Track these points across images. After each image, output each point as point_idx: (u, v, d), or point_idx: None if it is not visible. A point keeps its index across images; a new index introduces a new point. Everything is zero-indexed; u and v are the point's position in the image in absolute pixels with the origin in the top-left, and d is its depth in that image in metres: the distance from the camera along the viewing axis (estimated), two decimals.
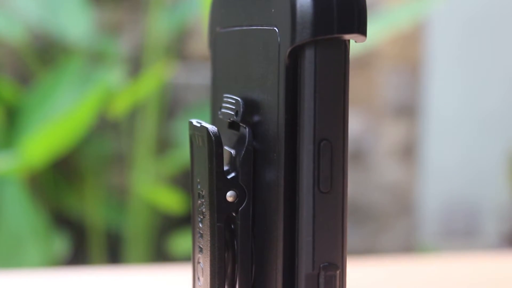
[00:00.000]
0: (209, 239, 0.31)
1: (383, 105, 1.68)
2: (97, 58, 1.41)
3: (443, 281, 0.65)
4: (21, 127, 1.27)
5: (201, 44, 1.51)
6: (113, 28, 1.48)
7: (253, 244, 0.31)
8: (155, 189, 1.32)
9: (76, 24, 1.35)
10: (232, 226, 0.32)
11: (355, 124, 1.65)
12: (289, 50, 0.28)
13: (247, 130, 0.31)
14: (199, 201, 0.33)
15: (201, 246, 0.33)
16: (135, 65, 1.45)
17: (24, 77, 1.42)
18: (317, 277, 0.29)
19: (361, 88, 1.65)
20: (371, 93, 1.67)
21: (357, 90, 1.64)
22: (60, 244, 1.31)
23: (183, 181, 1.41)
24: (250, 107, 0.31)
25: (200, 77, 1.50)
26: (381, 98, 1.68)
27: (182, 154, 1.35)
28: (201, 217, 0.32)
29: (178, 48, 1.50)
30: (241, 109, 0.31)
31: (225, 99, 0.33)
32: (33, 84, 1.36)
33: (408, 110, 1.69)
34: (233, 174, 0.31)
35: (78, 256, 1.40)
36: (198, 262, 0.33)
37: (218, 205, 0.31)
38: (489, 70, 1.67)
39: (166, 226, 1.41)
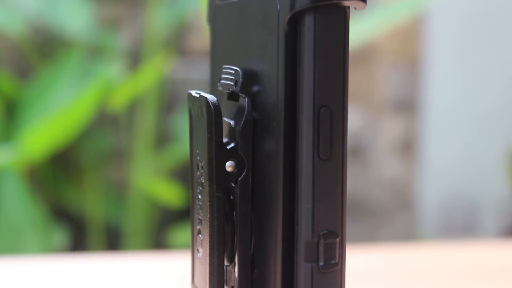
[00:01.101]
0: (208, 209, 0.31)
1: (382, 100, 1.68)
2: (96, 52, 1.41)
3: (442, 268, 0.65)
4: (20, 121, 1.27)
5: (200, 39, 1.51)
6: (112, 22, 1.48)
7: (252, 215, 0.31)
8: (154, 182, 1.31)
9: (75, 18, 1.35)
10: (231, 197, 0.32)
11: (354, 120, 1.65)
12: (288, 16, 0.28)
13: (246, 100, 0.31)
14: (198, 173, 0.32)
15: (201, 218, 0.32)
16: (134, 60, 1.45)
17: (24, 70, 1.42)
18: (317, 244, 0.29)
19: (360, 83, 1.65)
20: (370, 89, 1.67)
21: (357, 86, 1.64)
22: (59, 237, 1.31)
23: (182, 175, 1.41)
24: (249, 77, 0.31)
25: (199, 72, 1.50)
26: (380, 94, 1.67)
27: (181, 148, 1.35)
28: (200, 188, 0.32)
29: (177, 43, 1.49)
30: (241, 79, 0.31)
31: (224, 70, 0.33)
32: (33, 78, 1.36)
33: (408, 106, 1.68)
34: (232, 145, 0.31)
35: (77, 249, 1.40)
36: (198, 234, 0.33)
37: (217, 175, 0.31)
38: (488, 67, 1.67)
39: (165, 220, 1.41)
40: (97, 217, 1.37)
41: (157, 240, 1.39)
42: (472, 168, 1.68)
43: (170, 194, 1.28)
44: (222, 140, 0.31)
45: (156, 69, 1.28)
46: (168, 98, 1.48)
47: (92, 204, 1.38)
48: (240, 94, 0.31)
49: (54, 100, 1.27)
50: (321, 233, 0.29)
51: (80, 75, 1.32)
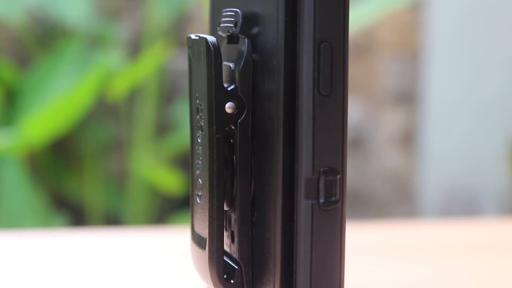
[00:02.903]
0: (208, 152, 0.31)
1: (382, 92, 1.67)
2: (96, 42, 1.41)
3: (441, 244, 0.65)
4: (20, 108, 1.27)
5: (200, 30, 1.51)
6: (113, 12, 1.48)
7: (252, 158, 0.31)
8: (154, 170, 1.31)
9: (75, 8, 1.35)
10: (231, 141, 0.31)
11: (355, 111, 1.65)
12: None
13: (246, 41, 0.31)
14: (197, 117, 0.32)
15: (200, 162, 0.32)
16: (134, 50, 1.45)
17: (24, 60, 1.41)
18: (317, 181, 0.28)
19: (361, 75, 1.65)
20: (370, 81, 1.67)
21: (357, 78, 1.64)
22: (59, 226, 1.31)
23: (183, 163, 1.41)
24: (249, 18, 0.31)
25: None
26: (380, 85, 1.67)
27: (181, 137, 1.35)
28: (200, 132, 0.32)
29: (177, 34, 1.49)
30: (240, 20, 0.31)
31: (224, 13, 0.33)
32: (32, 67, 1.35)
33: (408, 97, 1.68)
34: (232, 86, 0.31)
35: None
36: (197, 179, 0.33)
37: (217, 117, 0.31)
38: (488, 58, 1.67)
39: (165, 209, 1.41)
40: (97, 206, 1.37)
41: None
42: (472, 159, 1.68)
43: (171, 182, 1.27)
44: (222, 81, 0.31)
45: (155, 58, 1.27)
46: (168, 89, 1.48)
47: (92, 193, 1.37)
48: (240, 35, 0.31)
49: (54, 88, 1.27)
50: (321, 170, 0.28)
51: (79, 64, 1.32)
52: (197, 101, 0.32)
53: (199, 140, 0.32)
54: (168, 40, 1.41)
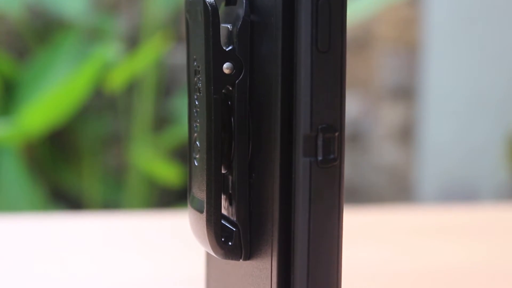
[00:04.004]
0: (205, 113, 0.31)
1: (381, 87, 1.67)
2: (94, 35, 1.41)
3: (437, 225, 0.65)
4: (18, 100, 1.27)
5: None
6: (111, 6, 1.48)
7: (250, 119, 0.31)
8: (153, 163, 1.31)
9: (73, 1, 1.35)
10: (229, 103, 0.31)
11: (353, 106, 1.65)
12: None
13: (244, 2, 0.31)
14: (195, 78, 0.32)
15: (198, 124, 0.32)
16: (132, 44, 1.45)
17: (22, 52, 1.41)
18: (315, 139, 0.28)
19: (359, 70, 1.65)
20: (369, 76, 1.67)
21: (355, 73, 1.64)
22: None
23: (181, 156, 1.41)
24: None
25: None
26: (379, 80, 1.67)
27: (179, 130, 1.35)
28: (198, 94, 0.32)
29: (175, 28, 1.49)
30: None
31: None
32: (30, 59, 1.35)
33: (406, 92, 1.68)
34: (230, 47, 0.31)
35: None
36: (195, 142, 0.33)
37: (214, 77, 0.30)
38: (486, 52, 1.67)
39: (164, 202, 1.41)
40: (95, 199, 1.37)
41: None
42: (470, 153, 1.68)
43: (169, 175, 1.27)
44: (220, 41, 0.30)
45: (153, 51, 1.27)
46: (166, 83, 1.48)
47: (90, 186, 1.37)
48: None
49: (51, 81, 1.27)
50: (319, 127, 0.28)
51: (77, 57, 1.32)
52: (195, 63, 0.32)
53: (196, 103, 0.32)
54: (166, 33, 1.41)
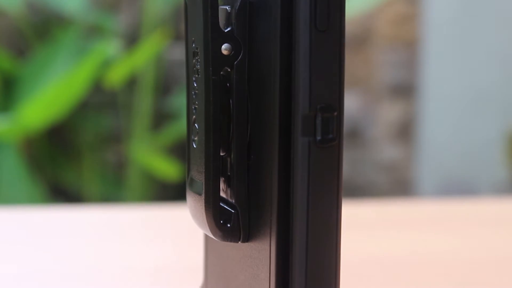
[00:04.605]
0: (204, 95, 0.31)
1: (380, 85, 1.67)
2: (93, 31, 1.41)
3: (435, 217, 0.65)
4: (18, 96, 1.27)
5: None
6: (111, 3, 1.48)
7: (248, 101, 0.31)
8: (152, 159, 1.31)
9: None
10: (228, 85, 0.31)
11: (353, 104, 1.65)
12: None
13: None
14: (194, 60, 0.32)
15: (196, 106, 0.32)
16: (132, 41, 1.44)
17: (22, 48, 1.41)
18: (314, 118, 0.28)
19: (358, 68, 1.65)
20: (368, 73, 1.67)
21: (355, 70, 1.64)
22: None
23: (180, 153, 1.41)
24: None
25: None
26: (378, 77, 1.67)
27: (178, 127, 1.35)
28: (196, 75, 0.32)
29: (175, 26, 1.49)
30: None
31: None
32: (30, 55, 1.35)
33: (405, 89, 1.68)
34: (228, 28, 0.31)
35: None
36: (193, 125, 0.32)
37: (213, 58, 0.30)
38: (485, 49, 1.67)
39: (163, 199, 1.40)
40: (95, 196, 1.37)
41: None
42: (469, 150, 1.68)
43: (168, 170, 1.27)
44: (218, 22, 0.30)
45: (153, 47, 1.27)
46: (165, 80, 1.48)
47: (90, 182, 1.37)
48: None
49: (51, 77, 1.27)
50: (318, 107, 0.28)
51: (76, 53, 1.32)
52: (193, 45, 0.32)
53: (195, 85, 0.32)
54: (165, 30, 1.41)
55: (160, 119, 1.43)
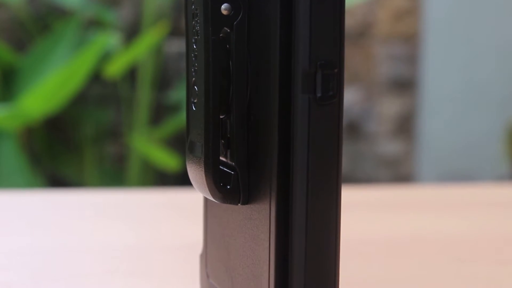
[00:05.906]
0: (203, 55, 0.30)
1: (380, 78, 1.67)
2: (94, 24, 1.41)
3: (437, 201, 0.65)
4: (18, 88, 1.27)
5: None
6: None
7: (248, 62, 0.31)
8: (152, 150, 1.31)
9: None
10: (228, 47, 0.31)
11: (353, 98, 1.65)
12: None
13: None
14: (193, 22, 0.32)
15: (196, 68, 0.32)
16: (132, 34, 1.44)
17: (22, 40, 1.41)
18: (314, 75, 0.28)
19: (359, 62, 1.65)
20: (368, 67, 1.67)
21: (354, 65, 1.64)
22: None
23: (180, 144, 1.41)
24: None
25: None
26: (378, 72, 1.67)
27: (178, 119, 1.34)
28: (196, 37, 0.32)
29: (174, 19, 1.49)
30: None
31: None
32: (31, 48, 1.35)
33: (405, 83, 1.68)
34: None
35: None
36: (193, 87, 0.32)
37: (212, 18, 0.30)
38: (485, 43, 1.67)
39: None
40: (94, 186, 1.36)
41: None
42: (470, 144, 1.67)
43: (168, 161, 1.27)
44: None
45: (152, 40, 1.27)
46: (164, 73, 1.48)
47: (90, 175, 1.37)
48: None
49: (51, 68, 1.27)
50: (318, 64, 0.28)
51: (77, 45, 1.31)
52: (193, 6, 0.32)
53: (194, 47, 0.32)
54: (165, 24, 1.41)
55: (160, 111, 1.43)
